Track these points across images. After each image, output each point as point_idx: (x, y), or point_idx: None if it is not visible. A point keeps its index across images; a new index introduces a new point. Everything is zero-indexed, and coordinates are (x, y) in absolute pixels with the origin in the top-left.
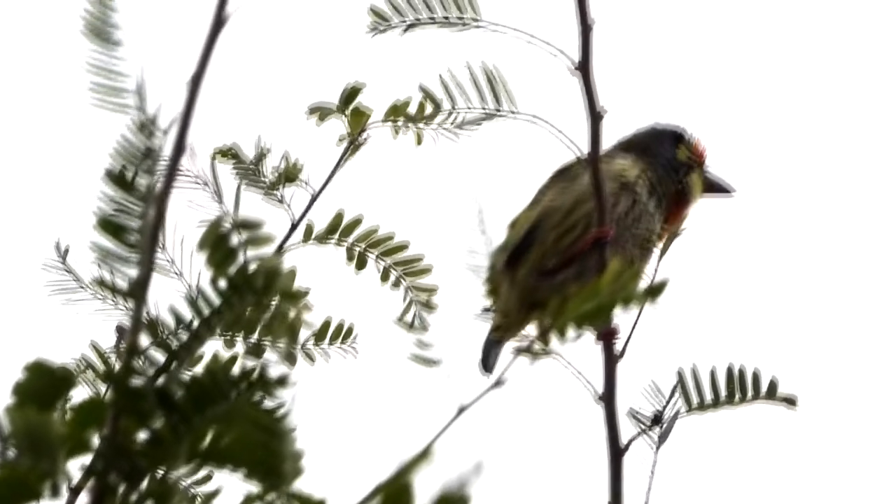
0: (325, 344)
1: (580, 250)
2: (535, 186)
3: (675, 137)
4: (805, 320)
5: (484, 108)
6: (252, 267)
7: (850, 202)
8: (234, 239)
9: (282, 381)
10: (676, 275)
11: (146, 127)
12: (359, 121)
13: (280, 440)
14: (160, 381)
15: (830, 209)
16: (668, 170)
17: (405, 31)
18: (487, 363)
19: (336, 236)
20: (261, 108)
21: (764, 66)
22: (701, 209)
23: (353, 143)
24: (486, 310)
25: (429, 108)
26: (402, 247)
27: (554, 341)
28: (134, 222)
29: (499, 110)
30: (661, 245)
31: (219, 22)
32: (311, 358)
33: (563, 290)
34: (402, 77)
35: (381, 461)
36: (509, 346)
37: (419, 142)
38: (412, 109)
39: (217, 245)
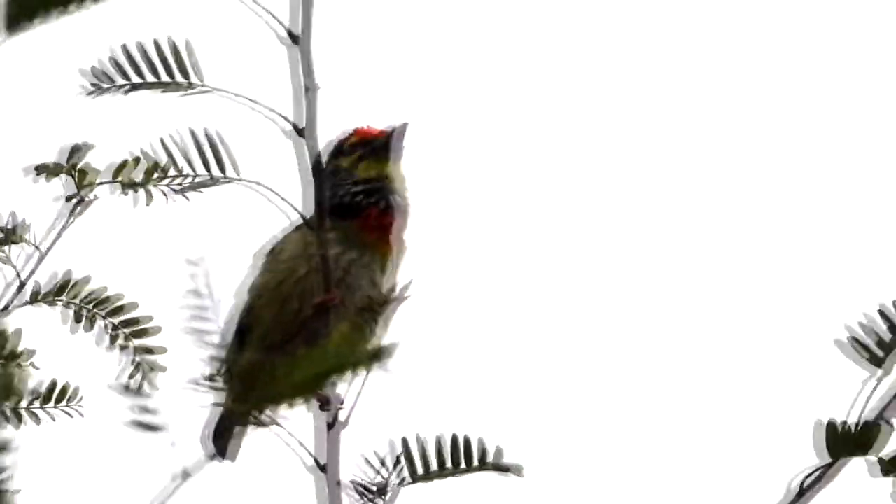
0: (50, 405)
1: (305, 319)
2: (258, 251)
3: (335, 154)
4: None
5: (208, 173)
6: None
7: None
8: None
9: (3, 447)
10: (404, 339)
11: None
12: (86, 179)
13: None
14: None
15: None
16: (339, 202)
17: (127, 92)
18: (222, 449)
19: (65, 297)
20: None
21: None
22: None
23: (81, 202)
24: (211, 377)
25: (157, 171)
26: (131, 307)
27: (279, 408)
28: None
29: (223, 176)
30: (387, 309)
31: None
32: (36, 419)
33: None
34: (127, 136)
35: None
36: (242, 427)
37: (149, 201)
38: (140, 170)
39: None
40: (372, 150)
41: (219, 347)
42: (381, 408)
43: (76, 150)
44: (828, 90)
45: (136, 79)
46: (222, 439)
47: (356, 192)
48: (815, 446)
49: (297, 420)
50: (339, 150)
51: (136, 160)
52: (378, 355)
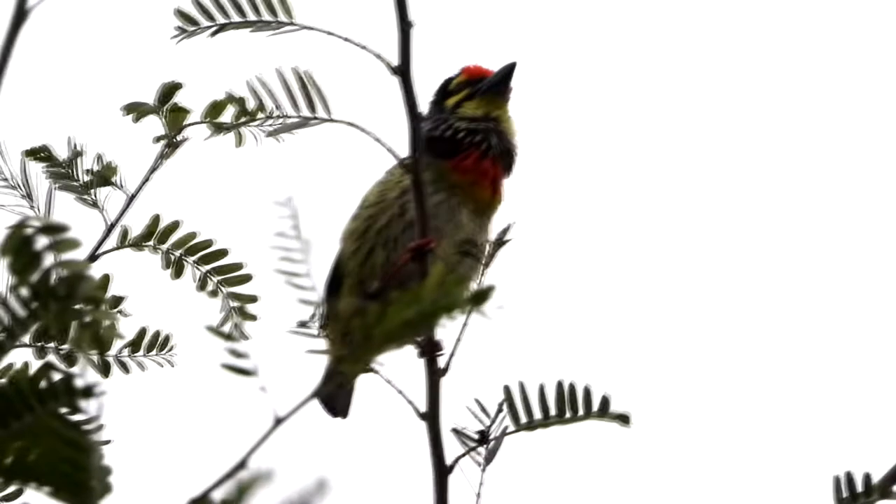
0: (140, 353)
1: (400, 265)
2: (357, 193)
3: (441, 93)
4: (636, 332)
5: (299, 114)
6: (57, 273)
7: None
8: (38, 244)
9: (88, 392)
10: (503, 284)
11: None
12: (177, 120)
13: (88, 455)
14: None
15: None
16: (439, 136)
17: (214, 34)
18: (337, 407)
19: (152, 242)
20: (74, 108)
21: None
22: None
23: (171, 143)
24: (304, 324)
25: (247, 112)
26: (221, 254)
27: (375, 353)
28: None
29: (314, 116)
30: (486, 252)
31: (20, 14)
32: (125, 368)
33: None
34: (219, 80)
35: (199, 475)
36: (353, 383)
37: (240, 143)
38: (231, 110)
39: (19, 251)
40: (482, 88)
41: (310, 290)
42: (484, 355)
43: (167, 91)
44: (828, 90)
45: (221, 19)
46: (334, 396)
47: (459, 129)
48: None
49: (400, 368)
50: (446, 87)
51: (227, 101)
52: (476, 299)
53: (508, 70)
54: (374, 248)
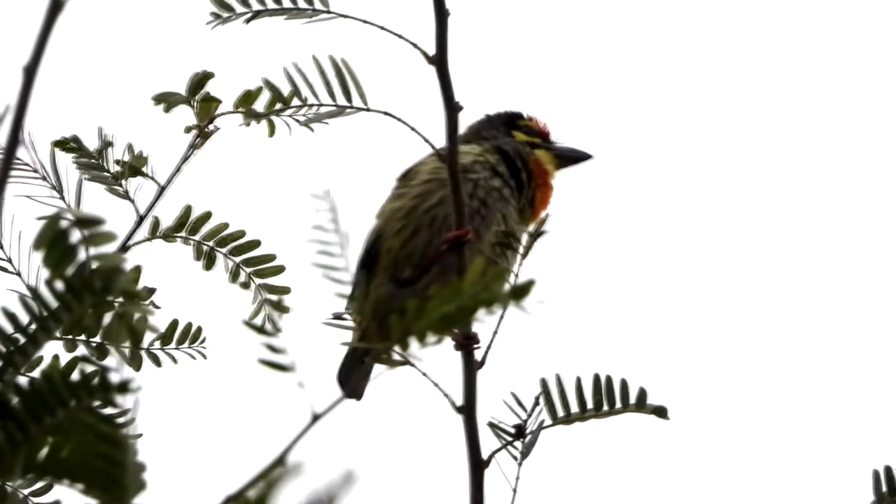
0: (171, 346)
1: (436, 254)
2: (391, 182)
3: (508, 120)
4: (671, 326)
5: (334, 103)
6: (91, 267)
7: (718, 207)
8: (73, 237)
9: (123, 387)
10: (541, 277)
11: None
12: (208, 110)
13: (121, 451)
14: None
15: (700, 214)
16: (510, 153)
17: (249, 20)
18: (351, 388)
19: (184, 233)
20: (103, 98)
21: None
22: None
23: (202, 133)
24: (339, 315)
25: (280, 101)
26: (253, 245)
27: (412, 348)
28: None
29: (350, 105)
30: (523, 245)
31: (55, 6)
32: (156, 361)
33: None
34: (254, 68)
35: (233, 471)
36: (371, 365)
37: (272, 133)
38: (263, 99)
39: (53, 244)
40: (556, 151)
41: (346, 283)
42: (520, 347)
43: (198, 81)
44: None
45: (257, 6)
46: (351, 379)
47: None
48: None
49: (437, 361)
50: (513, 120)
51: (262, 88)
52: (516, 294)
53: (584, 158)
54: (419, 228)
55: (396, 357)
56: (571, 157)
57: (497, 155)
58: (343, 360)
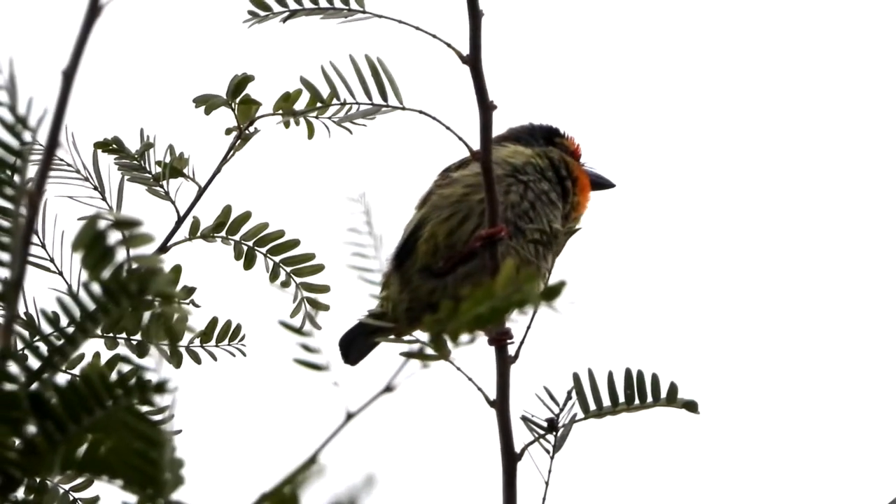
0: (211, 344)
1: (470, 250)
2: (426, 181)
3: (548, 134)
4: (701, 322)
5: (370, 102)
6: (129, 268)
7: (745, 205)
8: (111, 239)
9: (160, 387)
10: (572, 275)
11: (16, 126)
12: (247, 112)
13: (159, 448)
14: (34, 386)
15: (727, 211)
16: (555, 160)
17: (285, 20)
18: (352, 358)
19: (223, 233)
20: (144, 100)
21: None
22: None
23: (242, 135)
24: (376, 315)
25: (318, 102)
26: (292, 244)
27: (446, 345)
28: (5, 223)
29: (386, 104)
30: (556, 244)
31: (94, 10)
32: (196, 358)
33: (454, 290)
34: (290, 69)
35: (267, 469)
36: (387, 344)
37: (311, 135)
38: (302, 101)
39: (92, 246)
40: (589, 171)
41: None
42: (551, 343)
43: (238, 83)
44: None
45: (294, 5)
46: (352, 349)
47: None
48: None
49: (470, 355)
50: (551, 134)
51: (299, 92)
52: (548, 295)
53: (607, 186)
54: (469, 215)
55: (431, 354)
56: (597, 183)
57: (546, 160)
58: (351, 329)
